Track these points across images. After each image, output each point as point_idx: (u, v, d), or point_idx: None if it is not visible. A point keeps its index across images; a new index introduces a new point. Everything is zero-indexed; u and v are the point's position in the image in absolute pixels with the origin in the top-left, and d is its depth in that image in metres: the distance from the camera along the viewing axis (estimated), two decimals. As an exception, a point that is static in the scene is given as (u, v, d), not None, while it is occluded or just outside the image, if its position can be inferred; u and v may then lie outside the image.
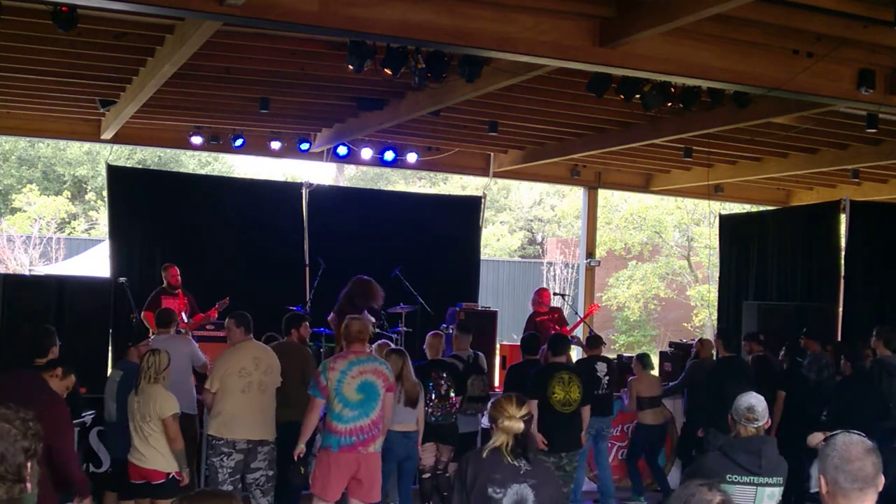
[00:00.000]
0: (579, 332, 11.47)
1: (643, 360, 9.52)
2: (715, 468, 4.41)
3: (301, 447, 6.33)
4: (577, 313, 11.94)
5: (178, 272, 10.28)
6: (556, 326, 10.89)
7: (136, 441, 6.21)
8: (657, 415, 9.27)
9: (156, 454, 6.15)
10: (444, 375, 7.63)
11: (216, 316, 10.20)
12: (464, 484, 4.09)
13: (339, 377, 6.16)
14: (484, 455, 4.09)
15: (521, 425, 4.09)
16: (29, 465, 2.83)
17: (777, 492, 4.51)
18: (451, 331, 10.04)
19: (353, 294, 9.87)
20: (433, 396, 7.55)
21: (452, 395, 7.63)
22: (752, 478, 4.42)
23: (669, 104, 8.19)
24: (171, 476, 6.24)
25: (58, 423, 4.92)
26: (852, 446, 2.88)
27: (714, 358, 9.59)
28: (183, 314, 10.01)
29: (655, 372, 10.37)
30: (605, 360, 8.98)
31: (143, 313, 9.93)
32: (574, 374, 7.34)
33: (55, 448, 4.71)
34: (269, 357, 6.98)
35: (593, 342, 9.04)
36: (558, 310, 11.48)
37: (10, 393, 4.78)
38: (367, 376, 6.22)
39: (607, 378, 8.70)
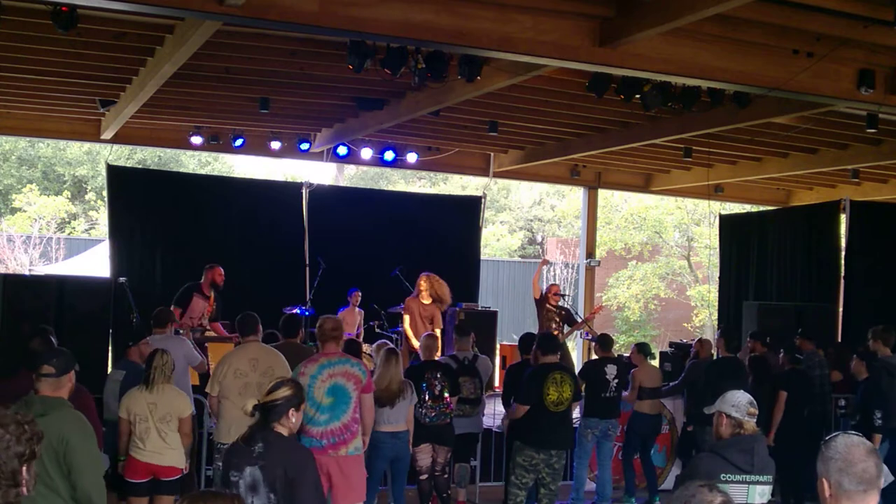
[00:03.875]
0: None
1: (643, 349, 9.35)
2: (710, 468, 4.38)
3: None
4: (576, 313, 11.90)
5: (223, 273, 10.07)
6: (554, 325, 10.86)
7: (150, 441, 6.19)
8: (654, 405, 9.17)
9: (172, 451, 6.20)
10: (438, 376, 7.57)
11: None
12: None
13: (308, 381, 6.11)
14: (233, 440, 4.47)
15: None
16: (24, 469, 2.83)
17: (767, 490, 4.47)
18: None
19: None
20: (427, 397, 7.48)
21: (446, 395, 7.57)
22: (744, 476, 4.39)
23: (669, 104, 8.19)
24: (184, 471, 6.31)
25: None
26: (854, 448, 2.82)
27: (713, 357, 9.55)
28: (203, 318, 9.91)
29: (656, 363, 10.24)
30: (616, 361, 8.85)
31: (171, 307, 9.34)
32: (565, 373, 7.30)
33: None
34: (270, 358, 6.73)
35: (605, 344, 8.89)
36: (566, 310, 11.34)
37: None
38: (336, 379, 6.13)
39: (616, 381, 8.57)
